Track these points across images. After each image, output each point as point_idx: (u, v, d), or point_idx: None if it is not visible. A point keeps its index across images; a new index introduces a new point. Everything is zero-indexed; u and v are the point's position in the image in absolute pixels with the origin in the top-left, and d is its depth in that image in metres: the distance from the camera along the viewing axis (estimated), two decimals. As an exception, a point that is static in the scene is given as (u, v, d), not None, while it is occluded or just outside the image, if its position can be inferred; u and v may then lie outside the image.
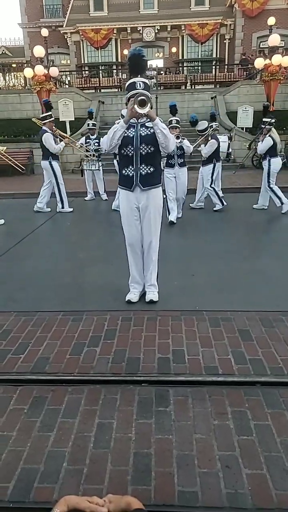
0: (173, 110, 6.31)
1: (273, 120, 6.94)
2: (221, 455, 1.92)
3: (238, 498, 1.71)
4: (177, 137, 5.94)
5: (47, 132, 7.31)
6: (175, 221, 6.33)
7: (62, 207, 7.56)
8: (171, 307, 3.49)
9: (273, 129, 6.90)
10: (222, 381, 2.48)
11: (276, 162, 6.92)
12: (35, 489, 1.78)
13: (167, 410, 2.24)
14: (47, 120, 7.35)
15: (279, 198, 6.92)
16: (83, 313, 3.41)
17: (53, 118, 7.48)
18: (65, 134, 7.45)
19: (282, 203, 6.90)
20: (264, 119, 7.08)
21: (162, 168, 5.48)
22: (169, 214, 6.33)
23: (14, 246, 5.59)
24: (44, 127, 7.39)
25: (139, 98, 3.04)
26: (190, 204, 7.55)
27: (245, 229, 6.26)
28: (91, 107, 12.64)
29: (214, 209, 7.31)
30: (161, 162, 5.13)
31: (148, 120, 3.25)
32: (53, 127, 7.43)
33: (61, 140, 7.47)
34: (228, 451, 1.94)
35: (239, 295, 3.74)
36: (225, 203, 7.26)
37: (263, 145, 6.87)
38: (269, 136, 6.86)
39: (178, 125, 6.30)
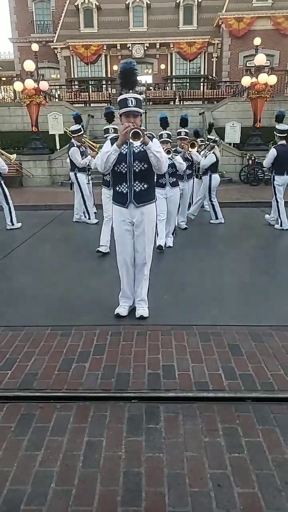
0: (164, 122, 5.70)
1: (217, 138, 7.45)
2: (212, 474, 1.90)
3: (230, 518, 1.68)
4: (168, 152, 5.27)
5: (74, 146, 7.36)
6: (163, 247, 5.60)
7: (89, 218, 7.59)
8: (161, 322, 3.47)
9: (216, 147, 7.28)
10: (213, 397, 2.46)
11: (217, 178, 7.40)
12: (22, 511, 1.73)
13: (158, 427, 2.21)
14: (77, 134, 7.38)
15: (215, 213, 7.41)
16: (72, 328, 3.36)
17: (82, 132, 7.49)
18: (94, 145, 7.49)
19: (216, 218, 7.42)
20: (209, 137, 7.58)
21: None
22: (157, 236, 5.28)
23: (1, 259, 5.53)
24: (73, 140, 7.44)
25: (133, 131, 3.05)
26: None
27: (236, 243, 6.31)
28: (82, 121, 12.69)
29: (211, 221, 7.47)
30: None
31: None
32: (82, 139, 7.47)
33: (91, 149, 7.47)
34: (219, 469, 1.92)
35: (229, 310, 3.75)
36: (221, 220, 7.38)
37: (206, 160, 7.15)
38: (213, 153, 7.18)
39: (169, 140, 5.67)
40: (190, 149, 6.56)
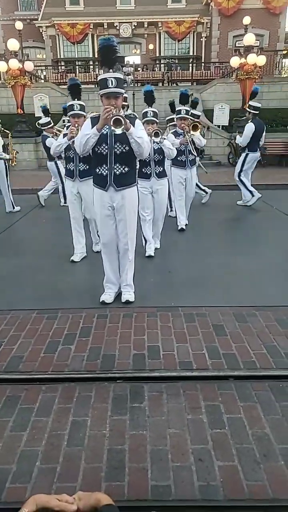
0: (149, 98, 4.54)
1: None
2: (194, 449, 1.95)
3: (210, 490, 1.73)
4: (156, 134, 4.33)
5: (49, 137, 7.34)
6: (153, 254, 4.75)
7: (65, 202, 7.53)
8: (147, 304, 3.50)
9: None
10: (196, 376, 2.51)
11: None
12: (7, 489, 1.76)
13: (142, 406, 2.25)
14: (47, 127, 7.46)
15: (250, 192, 7.34)
16: (58, 311, 3.37)
17: (52, 124, 7.55)
18: (61, 130, 7.48)
19: (252, 195, 7.33)
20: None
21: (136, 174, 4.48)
22: (144, 243, 4.78)
23: (-13, 243, 5.47)
24: (45, 133, 7.50)
25: (114, 118, 2.95)
26: None
27: (221, 226, 6.33)
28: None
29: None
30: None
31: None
32: (53, 131, 7.51)
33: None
34: (201, 445, 1.97)
35: (215, 291, 3.78)
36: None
37: (247, 131, 7.00)
38: (251, 122, 7.05)
39: (155, 119, 4.55)
40: (192, 131, 5.45)
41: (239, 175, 7.26)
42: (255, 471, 1.81)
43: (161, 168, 4.72)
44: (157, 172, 4.67)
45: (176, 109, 5.71)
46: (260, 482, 1.76)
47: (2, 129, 7.73)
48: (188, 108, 5.61)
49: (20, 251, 5.19)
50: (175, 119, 5.83)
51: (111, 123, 2.97)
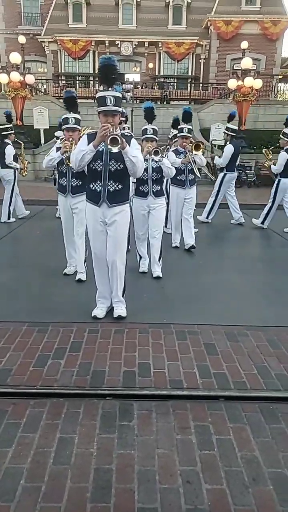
0: (149, 114, 4.43)
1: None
2: (182, 470, 1.92)
3: (198, 514, 1.70)
4: (156, 153, 4.22)
5: (9, 144, 7.32)
6: (147, 271, 4.72)
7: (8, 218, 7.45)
8: (139, 320, 3.48)
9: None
10: (187, 395, 2.49)
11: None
12: (-11, 508, 1.71)
13: (131, 425, 2.22)
14: (8, 132, 7.36)
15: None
16: (49, 325, 3.34)
17: (13, 131, 7.56)
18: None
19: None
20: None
21: (131, 194, 4.48)
22: (139, 259, 4.80)
23: (-20, 253, 5.44)
24: (6, 140, 7.34)
25: (111, 137, 2.97)
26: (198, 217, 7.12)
27: (215, 243, 6.38)
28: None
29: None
30: (130, 186, 4.69)
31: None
32: (13, 138, 7.51)
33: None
34: (189, 466, 1.94)
35: (207, 309, 3.78)
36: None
37: (281, 159, 7.08)
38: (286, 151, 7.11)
39: (155, 137, 4.44)
40: (194, 151, 5.31)
41: (216, 195, 7.49)
42: (244, 495, 1.79)
43: (159, 187, 4.59)
44: (154, 191, 4.53)
45: (179, 127, 5.57)
46: (248, 506, 1.74)
47: (16, 139, 7.76)
48: (190, 127, 5.44)
49: (13, 263, 5.17)
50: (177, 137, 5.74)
51: (108, 142, 2.99)
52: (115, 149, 3.01)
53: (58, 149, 4.31)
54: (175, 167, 4.91)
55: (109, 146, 3.00)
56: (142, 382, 2.60)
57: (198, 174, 5.67)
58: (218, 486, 1.83)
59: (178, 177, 5.42)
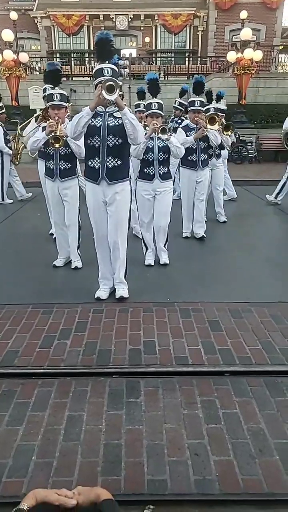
0: (154, 87, 3.97)
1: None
2: (190, 444, 1.96)
3: (206, 484, 1.75)
4: (163, 131, 3.82)
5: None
6: (153, 264, 4.31)
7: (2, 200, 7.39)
8: (143, 299, 3.50)
9: None
10: (192, 371, 2.52)
11: None
12: (3, 483, 1.76)
13: (138, 401, 2.26)
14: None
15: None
16: (54, 306, 3.36)
17: (4, 110, 7.29)
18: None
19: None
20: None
21: (134, 178, 4.26)
22: (145, 251, 4.38)
23: (-18, 237, 5.43)
24: None
25: (107, 83, 2.85)
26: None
27: (217, 222, 6.32)
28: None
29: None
30: (133, 167, 4.46)
31: (117, 109, 3.11)
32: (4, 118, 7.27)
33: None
34: (197, 440, 1.98)
35: (210, 287, 3.79)
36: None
37: None
38: None
39: (161, 112, 3.98)
40: (209, 126, 4.68)
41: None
42: (250, 466, 1.83)
43: (166, 169, 4.14)
44: (161, 173, 4.09)
45: (189, 99, 4.96)
46: (255, 476, 1.78)
47: (9, 119, 7.50)
48: (202, 99, 4.87)
49: (15, 245, 5.16)
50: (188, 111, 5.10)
51: (104, 87, 2.84)
52: (112, 96, 2.86)
53: (44, 129, 3.99)
54: (186, 147, 4.49)
55: (105, 94, 2.85)
56: (147, 360, 2.64)
57: (228, 148, 5.38)
58: (225, 458, 1.87)
59: (189, 158, 4.82)
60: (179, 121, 6.75)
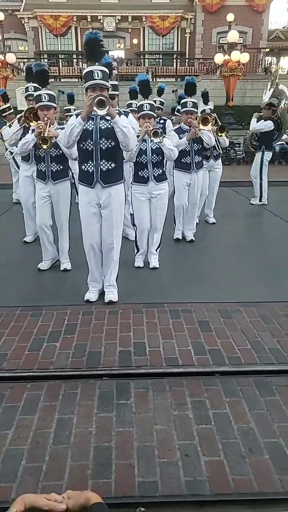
0: (145, 88, 3.98)
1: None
2: (180, 445, 1.96)
3: (197, 485, 1.75)
4: (155, 134, 3.72)
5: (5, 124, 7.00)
6: (142, 265, 4.30)
7: None
8: (133, 300, 3.49)
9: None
10: (182, 372, 2.52)
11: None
12: (-8, 489, 1.73)
13: (128, 403, 2.25)
14: (7, 113, 6.96)
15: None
16: (43, 308, 3.33)
17: (12, 110, 7.16)
18: None
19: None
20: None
21: (130, 181, 4.32)
22: (136, 252, 4.32)
23: None
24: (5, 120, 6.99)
25: (98, 99, 2.83)
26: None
27: (205, 223, 6.34)
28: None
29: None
30: (128, 170, 4.51)
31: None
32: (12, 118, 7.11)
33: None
34: (187, 440, 1.98)
35: (199, 288, 3.80)
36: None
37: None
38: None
39: (153, 113, 3.94)
40: (201, 126, 4.63)
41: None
42: (241, 466, 1.84)
43: (160, 171, 4.10)
44: (156, 175, 4.04)
45: (181, 101, 4.92)
46: (245, 476, 1.79)
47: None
48: (195, 100, 4.78)
49: (2, 248, 5.10)
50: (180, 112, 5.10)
51: (95, 104, 2.83)
52: (102, 111, 2.85)
53: (33, 131, 3.90)
54: (180, 149, 4.43)
55: (96, 109, 2.84)
56: (138, 361, 2.63)
57: (219, 150, 5.39)
58: (216, 458, 1.88)
59: (182, 160, 4.75)
60: (161, 121, 6.66)
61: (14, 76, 13.45)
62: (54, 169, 3.96)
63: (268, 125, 6.93)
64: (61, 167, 3.98)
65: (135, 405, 2.23)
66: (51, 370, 2.55)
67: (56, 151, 3.90)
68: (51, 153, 3.89)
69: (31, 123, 4.19)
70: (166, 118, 6.78)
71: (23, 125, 4.69)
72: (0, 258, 4.67)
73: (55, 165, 3.96)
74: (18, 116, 5.31)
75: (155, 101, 6.37)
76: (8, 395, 2.32)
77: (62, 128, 3.87)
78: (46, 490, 1.65)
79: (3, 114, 7.00)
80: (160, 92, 6.87)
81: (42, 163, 3.97)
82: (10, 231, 5.89)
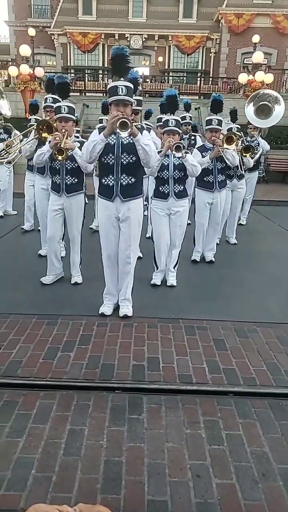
0: (172, 103, 3.96)
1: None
2: (192, 464, 1.92)
3: (208, 507, 1.71)
4: (177, 148, 3.71)
5: None
6: (159, 283, 4.18)
7: None
8: (148, 314, 3.48)
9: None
10: (196, 390, 2.49)
11: None
12: (1, 496, 1.73)
13: (140, 418, 2.23)
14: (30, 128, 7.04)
15: None
16: (58, 317, 3.36)
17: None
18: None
19: None
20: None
21: (150, 196, 4.32)
22: (156, 269, 4.23)
23: (-10, 245, 5.47)
24: None
25: (120, 121, 2.89)
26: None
27: (224, 240, 6.33)
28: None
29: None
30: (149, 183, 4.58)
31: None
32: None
33: None
34: (199, 461, 1.95)
35: (216, 305, 3.77)
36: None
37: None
38: None
39: (178, 129, 3.92)
40: (225, 145, 4.54)
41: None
42: (253, 491, 1.79)
43: (181, 187, 4.03)
44: (176, 191, 3.98)
45: (206, 118, 4.83)
46: (258, 501, 1.74)
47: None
48: (220, 118, 4.66)
49: (22, 255, 5.18)
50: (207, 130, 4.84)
51: (117, 126, 2.91)
52: (125, 134, 2.92)
53: (49, 142, 3.85)
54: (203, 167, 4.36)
55: (119, 130, 2.92)
56: (151, 376, 2.61)
57: (242, 171, 5.30)
58: (228, 481, 1.84)
59: (205, 178, 4.67)
60: (192, 137, 6.56)
61: (41, 89, 13.83)
62: (68, 182, 3.94)
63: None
64: (76, 180, 3.95)
65: (147, 421, 2.21)
66: (64, 380, 2.55)
67: (72, 164, 3.88)
68: (66, 166, 3.87)
69: (43, 134, 4.15)
70: (196, 135, 6.65)
71: (36, 136, 4.69)
72: (21, 264, 4.73)
73: (70, 178, 3.93)
74: (29, 127, 5.33)
75: (185, 117, 6.35)
76: (21, 403, 2.33)
77: (79, 142, 3.97)
78: (55, 501, 1.64)
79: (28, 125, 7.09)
80: (188, 107, 6.73)
81: (57, 176, 3.95)
82: (27, 241, 5.98)
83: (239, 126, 5.55)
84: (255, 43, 13.84)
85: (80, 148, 3.78)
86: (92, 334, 3.13)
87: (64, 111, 3.80)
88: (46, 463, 1.91)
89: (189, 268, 4.80)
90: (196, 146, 5.27)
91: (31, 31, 13.53)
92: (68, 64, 23.69)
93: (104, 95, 18.44)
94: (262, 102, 6.89)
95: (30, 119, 6.12)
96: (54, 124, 3.98)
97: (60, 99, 3.92)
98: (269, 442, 2.08)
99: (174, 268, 4.24)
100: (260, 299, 3.94)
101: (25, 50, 12.56)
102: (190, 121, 6.63)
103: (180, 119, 3.97)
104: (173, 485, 1.81)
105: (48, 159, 3.94)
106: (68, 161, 3.84)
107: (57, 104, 3.87)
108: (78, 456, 1.96)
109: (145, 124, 5.25)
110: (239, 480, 1.84)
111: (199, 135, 6.79)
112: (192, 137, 6.51)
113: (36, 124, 4.90)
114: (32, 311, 3.48)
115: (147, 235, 4.39)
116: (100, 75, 22.78)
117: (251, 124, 6.75)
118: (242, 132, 5.78)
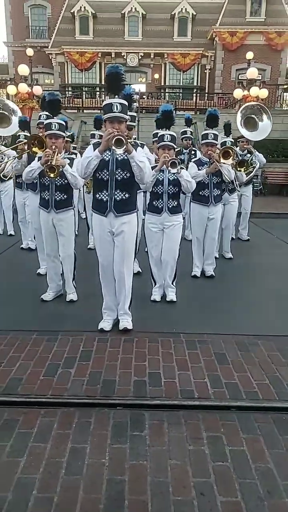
0: (168, 119, 3.94)
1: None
2: (196, 482, 1.89)
3: (213, 527, 1.67)
4: (173, 165, 3.70)
5: None
6: (158, 300, 4.15)
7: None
8: (149, 329, 3.47)
9: None
10: (198, 405, 2.46)
11: None
12: (2, 519, 1.70)
13: (142, 435, 2.20)
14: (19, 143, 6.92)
15: None
16: (58, 333, 3.33)
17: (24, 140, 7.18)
18: None
19: None
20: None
21: (143, 209, 4.37)
22: (154, 284, 4.23)
23: (-11, 262, 5.46)
24: None
25: (115, 138, 2.93)
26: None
27: (222, 257, 6.34)
28: (72, 128, 12.69)
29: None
30: (143, 199, 4.58)
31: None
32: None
33: None
34: (203, 478, 1.92)
35: (216, 319, 3.76)
36: None
37: None
38: None
39: (173, 144, 3.89)
40: (222, 160, 4.55)
41: None
42: (259, 509, 1.76)
43: (175, 203, 4.01)
44: (170, 206, 3.96)
45: (203, 132, 4.80)
46: (264, 520, 1.71)
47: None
48: (216, 132, 4.64)
49: (21, 271, 5.18)
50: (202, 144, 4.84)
51: (112, 143, 2.94)
52: (120, 150, 2.95)
53: (40, 158, 3.81)
54: (198, 181, 4.39)
55: (114, 147, 2.95)
56: (153, 392, 2.58)
57: (237, 188, 5.31)
58: (233, 499, 1.80)
59: (200, 193, 4.64)
60: (192, 152, 6.58)
61: (40, 106, 14.05)
62: (57, 198, 3.88)
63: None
64: (65, 196, 3.91)
65: (149, 438, 2.18)
66: (65, 397, 2.52)
67: (61, 180, 3.84)
68: (56, 182, 3.83)
69: (33, 149, 4.13)
70: (196, 149, 6.69)
71: (19, 155, 4.83)
72: (20, 280, 4.73)
73: (59, 194, 3.88)
74: (18, 143, 5.25)
75: (185, 131, 6.42)
76: (21, 421, 2.30)
77: (69, 159, 3.95)
78: (57, 523, 1.61)
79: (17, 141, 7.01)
80: (189, 122, 6.78)
81: (46, 192, 3.91)
82: (27, 257, 5.98)
83: (232, 140, 5.61)
84: (249, 60, 14.14)
85: (70, 165, 3.81)
86: (92, 350, 3.10)
87: (55, 127, 3.76)
88: (48, 483, 1.88)
89: (189, 282, 4.79)
90: (193, 160, 5.29)
91: (29, 51, 13.82)
92: (66, 82, 24.12)
93: (101, 112, 18.73)
94: (249, 115, 6.95)
95: (19, 135, 6.10)
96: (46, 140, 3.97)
97: (52, 116, 3.90)
98: (273, 457, 2.05)
99: (173, 283, 4.18)
100: (261, 312, 3.93)
101: (23, 69, 12.80)
102: (190, 135, 6.74)
103: (175, 134, 3.94)
104: (177, 504, 1.77)
105: (37, 175, 3.90)
106: (58, 178, 3.79)
107: (48, 121, 3.84)
108: (80, 475, 1.92)
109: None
110: (244, 498, 1.81)
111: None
112: (193, 152, 6.59)
113: (24, 140, 4.92)
114: (32, 327, 3.46)
115: (146, 249, 4.39)
116: (97, 92, 23.18)
117: (243, 137, 6.80)
118: (235, 146, 5.87)
